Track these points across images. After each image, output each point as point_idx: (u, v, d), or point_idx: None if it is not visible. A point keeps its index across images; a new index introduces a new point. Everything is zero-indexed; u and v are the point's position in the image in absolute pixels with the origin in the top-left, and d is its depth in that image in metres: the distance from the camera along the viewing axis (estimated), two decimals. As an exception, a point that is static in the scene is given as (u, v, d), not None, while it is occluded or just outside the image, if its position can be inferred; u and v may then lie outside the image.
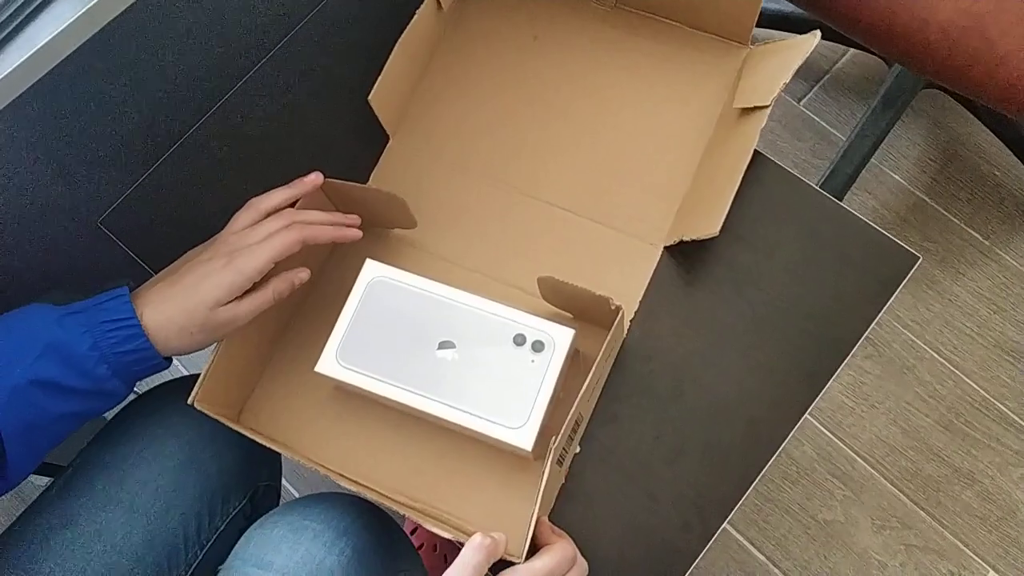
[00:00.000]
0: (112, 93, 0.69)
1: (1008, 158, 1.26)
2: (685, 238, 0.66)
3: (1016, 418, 1.19)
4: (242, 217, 0.62)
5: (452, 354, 0.62)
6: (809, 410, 0.65)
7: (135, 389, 0.60)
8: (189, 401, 0.58)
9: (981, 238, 1.27)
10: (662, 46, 0.75)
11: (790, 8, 1.19)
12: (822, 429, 1.19)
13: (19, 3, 0.56)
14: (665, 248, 0.70)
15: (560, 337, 0.62)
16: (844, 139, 1.25)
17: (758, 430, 0.65)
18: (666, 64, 0.75)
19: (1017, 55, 0.87)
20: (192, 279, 0.57)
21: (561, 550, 0.56)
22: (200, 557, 0.65)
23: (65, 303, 0.56)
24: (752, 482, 0.64)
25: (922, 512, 1.16)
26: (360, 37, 0.78)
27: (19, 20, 0.57)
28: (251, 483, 0.69)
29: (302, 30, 0.79)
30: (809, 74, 1.36)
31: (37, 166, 0.70)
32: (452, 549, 1.01)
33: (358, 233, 0.66)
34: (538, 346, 0.61)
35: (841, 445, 1.19)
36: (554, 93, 0.75)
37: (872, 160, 1.26)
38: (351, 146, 0.76)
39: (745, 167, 0.64)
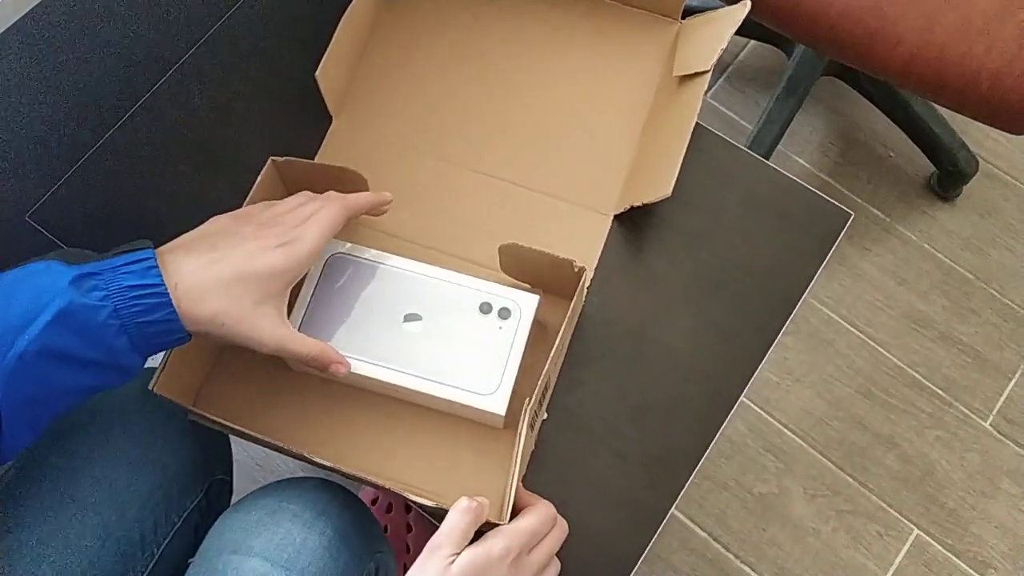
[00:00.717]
0: (37, 82, 0.65)
1: (901, 139, 1.34)
2: (636, 203, 0.68)
3: (927, 384, 1.26)
4: (287, 201, 0.59)
5: (419, 326, 0.61)
6: (763, 362, 0.67)
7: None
8: (150, 387, 0.55)
9: (883, 215, 1.35)
10: (598, 22, 0.77)
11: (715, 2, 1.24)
12: (751, 405, 1.23)
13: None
14: (615, 217, 0.71)
15: (526, 303, 0.62)
16: (752, 127, 1.30)
17: (716, 385, 0.67)
18: (603, 39, 0.77)
19: (913, 34, 0.93)
20: (240, 254, 0.53)
21: (543, 509, 0.56)
22: (158, 555, 0.62)
23: (77, 262, 0.50)
24: (714, 436, 0.65)
25: (849, 478, 1.21)
26: (296, 18, 0.77)
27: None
28: (206, 477, 0.66)
29: (238, 11, 0.77)
30: (714, 67, 1.42)
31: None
32: (415, 532, 1.00)
33: (390, 196, 0.64)
34: (504, 313, 0.62)
35: (770, 420, 1.23)
36: (496, 71, 0.76)
37: (779, 147, 1.32)
38: (293, 128, 0.74)
39: (691, 129, 0.66)
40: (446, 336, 0.61)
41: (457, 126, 0.74)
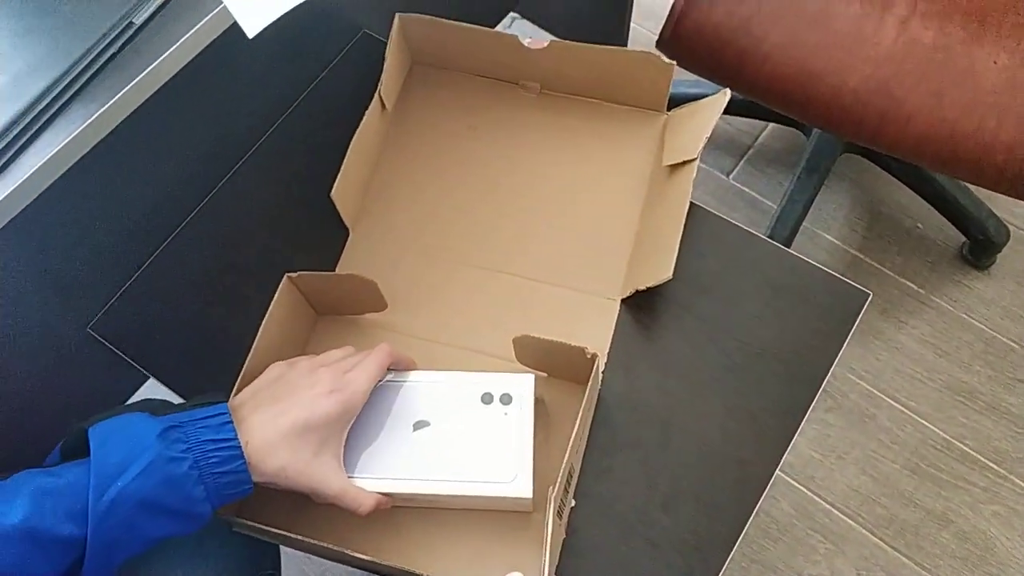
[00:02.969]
0: (91, 206, 0.71)
1: (929, 211, 1.35)
2: (640, 287, 0.70)
3: (978, 456, 1.23)
4: (336, 351, 0.65)
5: (428, 432, 0.63)
6: (790, 446, 0.68)
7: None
8: None
9: (916, 287, 1.35)
10: (588, 123, 0.82)
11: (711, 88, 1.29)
12: (796, 484, 1.21)
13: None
14: (623, 301, 0.73)
15: (523, 385, 0.65)
16: (775, 206, 1.33)
17: (747, 470, 0.67)
18: (594, 138, 0.81)
19: (923, 111, 0.96)
20: (300, 405, 0.58)
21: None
22: None
23: (161, 411, 0.55)
24: (747, 520, 0.65)
25: (904, 558, 1.18)
26: (324, 139, 0.83)
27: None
28: (256, 572, 0.68)
29: (273, 135, 0.83)
30: (734, 149, 1.45)
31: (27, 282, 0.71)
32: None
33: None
34: (506, 399, 0.64)
35: (816, 499, 1.21)
36: (496, 172, 0.80)
37: (804, 223, 1.34)
38: (319, 239, 0.78)
39: (684, 213, 0.70)
40: (456, 434, 0.63)
41: (464, 227, 0.78)
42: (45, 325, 0.73)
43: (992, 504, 1.20)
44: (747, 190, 1.42)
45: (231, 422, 0.55)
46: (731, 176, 1.43)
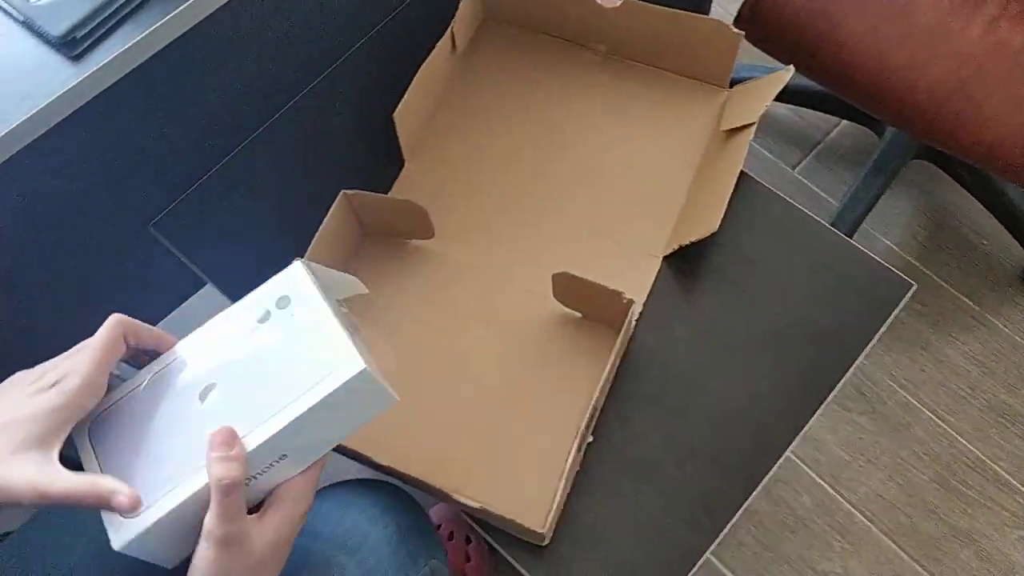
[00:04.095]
0: (166, 107, 0.74)
1: (996, 228, 1.33)
2: (683, 243, 0.72)
3: (1011, 479, 1.21)
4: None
5: (219, 391, 0.50)
6: (813, 417, 0.68)
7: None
8: None
9: (972, 304, 1.32)
10: (650, 90, 0.84)
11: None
12: (820, 481, 1.21)
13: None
14: (664, 258, 0.75)
15: (292, 278, 0.52)
16: (837, 204, 1.31)
17: (765, 435, 0.68)
18: (654, 104, 0.83)
19: (1001, 116, 0.94)
20: (4, 407, 0.47)
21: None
22: None
23: None
24: (759, 483, 0.66)
25: (920, 568, 1.16)
26: (393, 73, 0.85)
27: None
28: None
29: (346, 61, 0.86)
30: (803, 143, 1.44)
31: (93, 172, 0.75)
32: (473, 563, 1.02)
33: (173, 340, 0.53)
34: (283, 302, 0.51)
35: (839, 498, 1.20)
36: (555, 126, 0.82)
37: (864, 225, 1.32)
38: (373, 167, 0.81)
39: (737, 172, 0.71)
40: (253, 372, 0.50)
41: (516, 170, 0.80)
42: (110, 217, 0.77)
43: (1019, 529, 1.18)
44: (810, 184, 1.41)
45: None
46: (796, 169, 1.42)
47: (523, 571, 0.65)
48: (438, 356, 0.71)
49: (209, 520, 0.45)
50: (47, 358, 0.50)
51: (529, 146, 0.81)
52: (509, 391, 0.70)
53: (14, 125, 0.60)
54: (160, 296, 0.89)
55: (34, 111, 0.60)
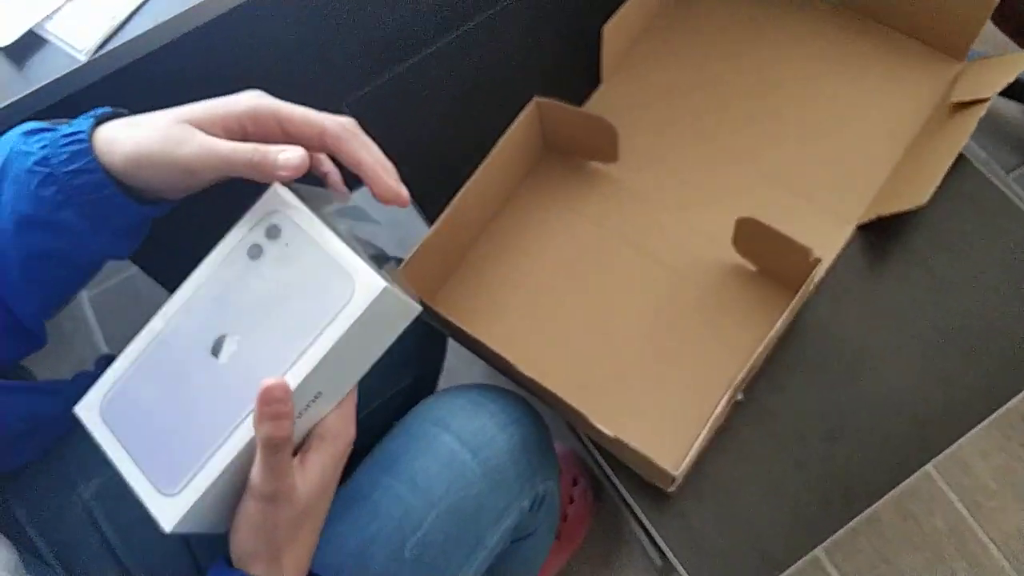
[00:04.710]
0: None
1: None
2: (884, 213, 0.67)
3: None
4: None
5: (232, 341, 0.46)
6: (980, 425, 0.64)
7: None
8: (400, 267, 0.62)
9: None
10: (879, 50, 0.77)
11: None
12: (958, 505, 1.14)
13: None
14: (859, 228, 0.70)
15: (272, 202, 0.46)
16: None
17: (924, 432, 0.64)
18: (881, 65, 0.77)
19: None
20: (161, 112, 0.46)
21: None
22: (373, 407, 0.70)
23: None
24: (906, 478, 0.63)
25: (1049, 622, 1.08)
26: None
27: None
28: (417, 368, 0.74)
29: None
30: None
31: (298, 46, 0.78)
32: (575, 504, 1.03)
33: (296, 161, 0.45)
34: (273, 232, 0.46)
35: (976, 526, 1.13)
36: (768, 69, 0.78)
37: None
38: (566, 82, 0.80)
39: (958, 151, 0.65)
40: (262, 314, 0.45)
41: (718, 110, 0.77)
42: (308, 88, 0.80)
43: None
44: (1020, 195, 1.29)
45: (90, 119, 0.46)
46: (1011, 174, 1.30)
47: (641, 516, 0.64)
48: (599, 281, 0.71)
49: (256, 477, 0.43)
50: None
51: (734, 86, 0.78)
52: (666, 331, 0.68)
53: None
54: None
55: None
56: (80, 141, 0.44)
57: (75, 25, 0.69)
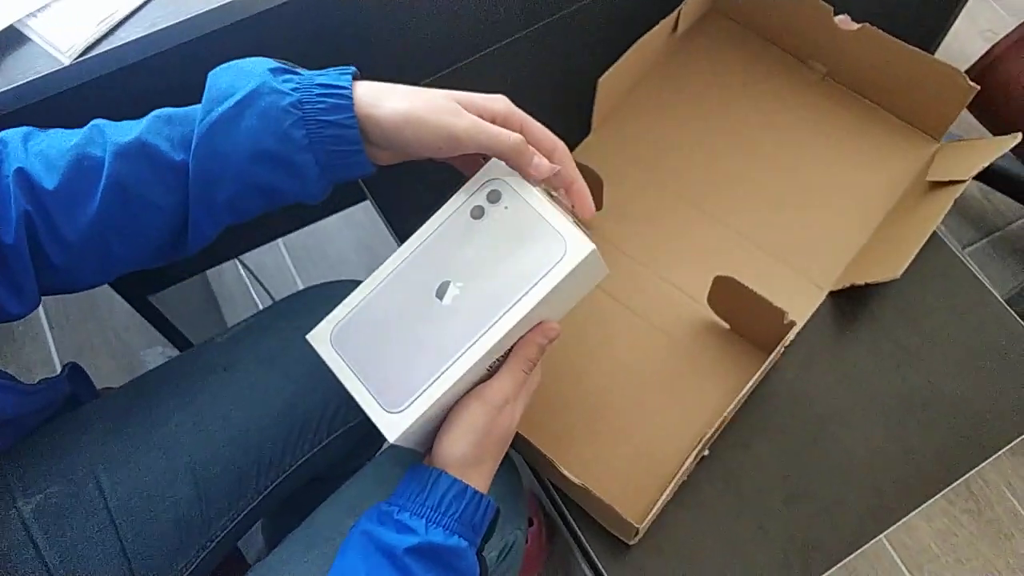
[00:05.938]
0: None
1: None
2: (858, 282, 0.69)
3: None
4: None
5: (456, 288, 0.52)
6: (938, 495, 0.65)
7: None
8: None
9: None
10: (861, 123, 0.80)
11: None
12: (901, 566, 1.16)
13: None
14: (831, 294, 0.72)
15: (493, 171, 0.54)
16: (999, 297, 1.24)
17: (882, 501, 0.65)
18: (862, 138, 0.79)
19: None
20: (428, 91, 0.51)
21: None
22: (327, 440, 0.68)
23: None
24: (862, 546, 0.64)
25: None
26: (601, 37, 0.84)
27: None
28: None
29: (564, 16, 0.86)
30: (982, 225, 1.36)
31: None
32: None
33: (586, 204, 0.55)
34: (494, 196, 0.53)
35: (916, 589, 1.15)
36: (752, 135, 0.80)
37: None
38: (554, 127, 0.80)
39: (933, 228, 0.67)
40: (483, 265, 0.52)
41: (701, 169, 0.78)
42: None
43: None
44: (977, 270, 1.33)
45: (350, 75, 0.49)
46: (967, 250, 1.34)
47: (599, 566, 0.64)
48: (575, 330, 0.71)
49: (497, 387, 0.52)
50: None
51: (720, 146, 0.79)
52: (638, 383, 0.69)
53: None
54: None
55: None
56: (343, 96, 0.48)
57: (61, 26, 0.67)
